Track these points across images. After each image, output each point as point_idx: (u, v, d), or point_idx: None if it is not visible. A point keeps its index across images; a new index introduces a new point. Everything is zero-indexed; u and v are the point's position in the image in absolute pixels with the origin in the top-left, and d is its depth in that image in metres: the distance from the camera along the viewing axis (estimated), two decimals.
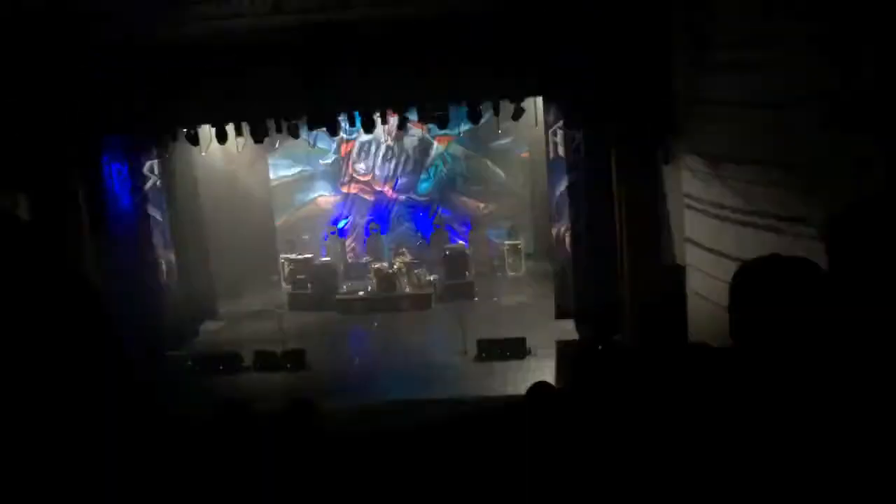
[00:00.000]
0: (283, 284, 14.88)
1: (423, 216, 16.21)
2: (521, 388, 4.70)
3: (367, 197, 16.33)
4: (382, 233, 15.86)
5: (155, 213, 12.41)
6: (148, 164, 12.33)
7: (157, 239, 12.38)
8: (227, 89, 10.40)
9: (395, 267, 14.46)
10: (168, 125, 11.61)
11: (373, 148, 16.14)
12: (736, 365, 1.84)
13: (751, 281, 1.90)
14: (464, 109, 12.08)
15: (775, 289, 1.79)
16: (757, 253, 1.94)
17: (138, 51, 9.71)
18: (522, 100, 11.91)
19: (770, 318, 1.75)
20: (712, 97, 8.33)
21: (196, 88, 10.34)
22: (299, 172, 16.27)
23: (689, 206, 9.14)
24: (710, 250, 8.58)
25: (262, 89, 10.47)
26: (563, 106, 11.67)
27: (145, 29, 9.23)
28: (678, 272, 9.57)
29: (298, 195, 16.36)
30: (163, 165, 12.55)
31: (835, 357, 1.67)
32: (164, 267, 12.45)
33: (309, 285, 14.34)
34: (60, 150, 9.81)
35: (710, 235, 8.59)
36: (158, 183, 12.46)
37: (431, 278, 14.50)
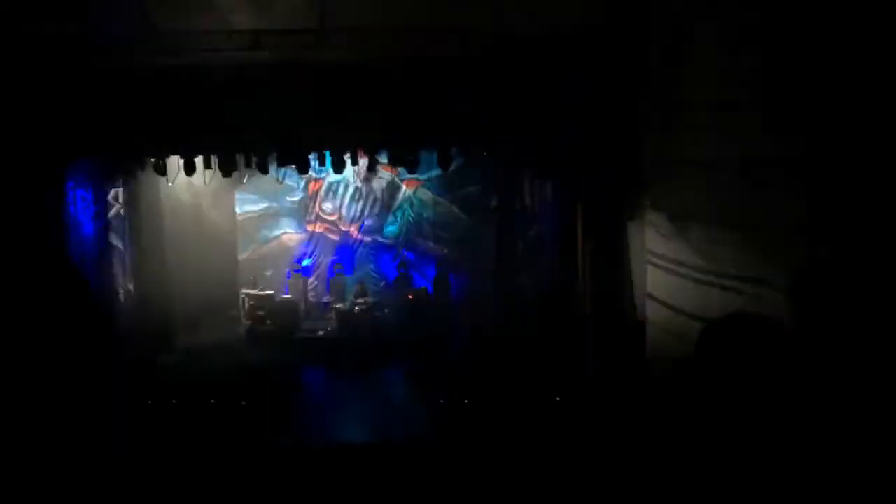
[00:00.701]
0: (243, 320, 14.73)
1: (387, 259, 16.20)
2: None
3: (332, 237, 16.30)
4: (346, 273, 15.80)
5: (116, 241, 12.28)
6: (113, 191, 12.23)
7: (118, 268, 12.23)
8: (198, 121, 10.37)
9: (356, 309, 14.40)
10: (136, 153, 11.53)
11: (341, 188, 16.16)
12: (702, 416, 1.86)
13: (717, 338, 1.92)
14: (434, 155, 12.16)
15: (741, 346, 1.82)
16: (718, 312, 1.97)
17: (111, 76, 9.67)
18: (493, 150, 12.03)
19: (736, 375, 1.78)
20: (679, 156, 8.49)
21: (167, 118, 10.29)
22: (266, 208, 16.20)
23: (651, 263, 9.25)
24: (671, 307, 8.66)
25: (233, 123, 10.46)
26: (532, 157, 11.80)
27: (120, 55, 9.21)
28: (639, 328, 9.65)
29: (264, 231, 16.27)
30: (128, 194, 12.45)
31: (800, 414, 1.69)
32: (122, 297, 12.29)
33: (268, 322, 14.22)
34: (26, 171, 9.68)
35: (671, 293, 8.68)
36: (122, 211, 12.35)
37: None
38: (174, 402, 10.89)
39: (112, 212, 12.13)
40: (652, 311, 9.32)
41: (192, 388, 11.15)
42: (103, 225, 11.92)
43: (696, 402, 1.94)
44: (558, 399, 10.59)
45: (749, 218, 7.07)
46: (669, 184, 8.77)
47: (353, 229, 16.26)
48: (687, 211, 8.30)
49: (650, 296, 9.33)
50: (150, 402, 10.90)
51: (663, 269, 8.92)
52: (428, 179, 15.79)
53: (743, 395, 1.81)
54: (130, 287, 12.42)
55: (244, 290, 15.03)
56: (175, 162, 12.00)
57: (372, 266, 16.27)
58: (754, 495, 1.70)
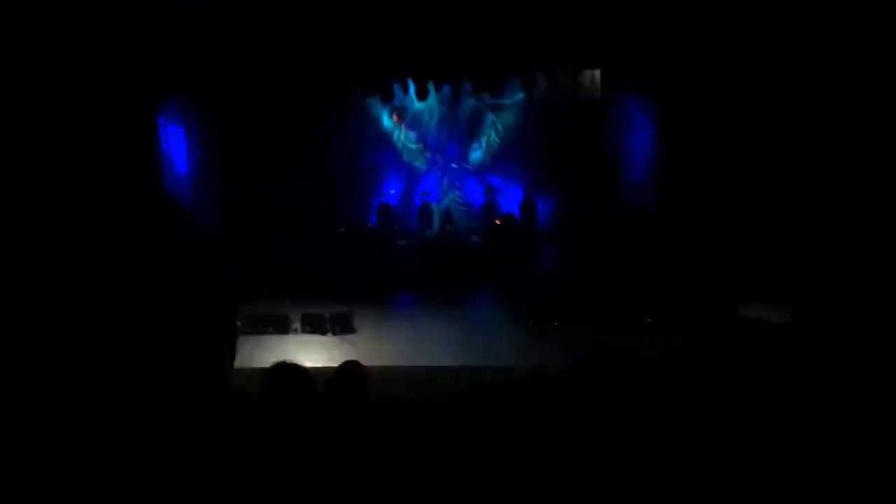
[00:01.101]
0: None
1: (473, 185, 16.18)
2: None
3: (417, 165, 16.34)
4: (433, 201, 15.87)
5: (214, 175, 12.60)
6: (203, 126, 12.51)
7: (210, 205, 12.59)
8: (281, 59, 10.46)
9: (444, 235, 14.51)
10: (226, 90, 11.74)
11: (426, 116, 16.12)
12: None
13: None
14: (518, 79, 12.03)
15: None
16: None
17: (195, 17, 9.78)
18: (581, 69, 11.79)
19: None
20: None
21: (249, 56, 10.42)
22: (351, 138, 16.27)
23: None
24: None
25: (317, 57, 10.51)
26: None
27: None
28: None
29: (351, 161, 16.35)
30: (219, 131, 12.72)
31: None
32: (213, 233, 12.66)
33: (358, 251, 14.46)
34: (119, 107, 9.94)
35: None
36: (215, 146, 12.65)
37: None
38: (270, 328, 11.23)
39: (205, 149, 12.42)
40: None
41: (282, 316, 11.46)
42: (198, 159, 12.23)
43: None
44: (649, 321, 10.56)
45: None
46: None
47: (438, 156, 16.25)
48: None
49: None
50: (247, 329, 11.29)
51: None
52: (512, 104, 15.61)
53: None
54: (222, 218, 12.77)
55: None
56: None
57: (458, 193, 16.28)
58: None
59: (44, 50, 8.77)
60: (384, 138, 16.23)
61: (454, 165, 16.24)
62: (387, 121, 16.14)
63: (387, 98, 12.57)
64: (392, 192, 16.16)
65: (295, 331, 11.30)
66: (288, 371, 4.50)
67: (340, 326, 11.15)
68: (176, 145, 11.61)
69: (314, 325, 11.22)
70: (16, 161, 8.44)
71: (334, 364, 4.74)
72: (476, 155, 16.17)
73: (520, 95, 14.94)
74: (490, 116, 15.92)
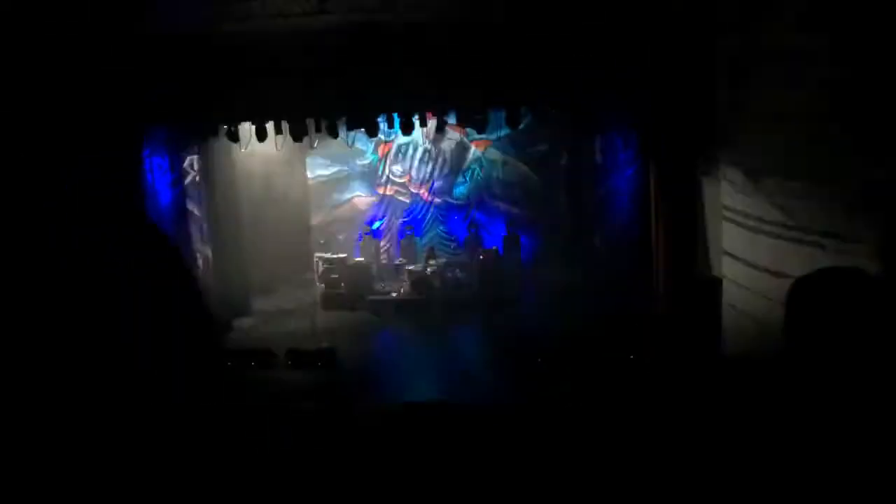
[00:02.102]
0: (317, 283, 14.95)
1: (457, 220, 16.23)
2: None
3: (402, 199, 16.38)
4: (416, 235, 15.88)
5: (193, 207, 12.55)
6: (188, 159, 12.48)
7: (195, 234, 12.53)
8: (268, 88, 10.47)
9: (428, 270, 14.49)
10: (209, 121, 11.72)
11: (410, 150, 16.19)
12: (790, 374, 1.82)
13: (810, 292, 1.88)
14: (503, 114, 12.08)
15: (833, 300, 1.77)
16: (799, 268, 1.93)
17: (182, 44, 9.78)
18: (564, 107, 11.86)
19: (828, 327, 1.73)
20: (755, 109, 8.28)
21: (238, 86, 10.41)
22: (336, 172, 16.35)
23: (727, 219, 9.09)
24: (749, 264, 8.52)
25: (302, 89, 10.52)
26: (602, 114, 11.64)
27: (189, 23, 9.29)
28: (714, 285, 9.52)
29: (335, 195, 16.43)
30: (202, 161, 12.68)
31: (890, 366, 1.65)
32: (200, 262, 12.59)
33: (342, 285, 14.40)
34: (103, 138, 9.89)
35: (748, 249, 8.52)
36: (197, 178, 12.60)
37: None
38: (252, 363, 11.14)
39: (188, 179, 12.38)
40: (727, 268, 9.19)
41: (266, 350, 11.39)
42: (180, 192, 12.19)
43: (787, 362, 1.90)
44: (632, 358, 10.52)
45: (828, 172, 6.89)
46: (745, 138, 8.59)
47: (423, 191, 16.31)
48: (763, 166, 8.12)
49: (726, 252, 9.18)
50: (229, 363, 11.17)
51: (739, 224, 8.77)
52: (497, 139, 15.72)
53: (842, 354, 1.76)
54: (208, 252, 12.70)
55: (317, 254, 15.21)
56: (247, 129, 12.14)
57: (442, 227, 16.33)
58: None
59: (30, 83, 8.74)
60: (369, 172, 16.30)
61: (438, 199, 16.29)
62: (371, 154, 16.19)
63: (372, 132, 12.60)
64: (376, 225, 16.18)
65: (278, 365, 11.20)
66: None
67: (324, 362, 11.06)
68: (160, 177, 11.58)
69: (299, 361, 11.12)
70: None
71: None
72: (460, 189, 16.23)
73: (505, 131, 15.04)
74: (475, 151, 16.01)
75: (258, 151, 13.91)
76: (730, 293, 9.13)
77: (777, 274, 7.61)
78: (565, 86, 10.32)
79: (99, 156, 9.66)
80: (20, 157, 8.34)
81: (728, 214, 9.03)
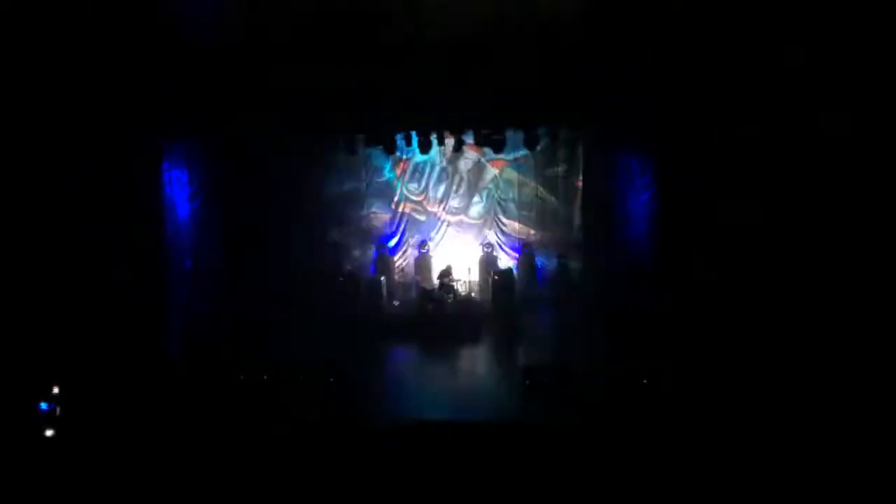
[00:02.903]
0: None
1: (473, 239, 16.23)
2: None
3: (418, 217, 16.40)
4: (431, 253, 15.90)
5: (210, 220, 12.62)
6: (203, 173, 12.56)
7: (211, 247, 12.60)
8: (288, 104, 10.54)
9: (441, 288, 14.48)
10: (229, 134, 11.81)
11: (427, 168, 16.23)
12: None
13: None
14: (520, 134, 12.12)
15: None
16: None
17: (202, 58, 9.83)
18: (581, 127, 11.90)
19: None
20: None
21: (257, 101, 10.49)
22: (353, 188, 16.34)
23: None
24: None
25: (321, 106, 10.58)
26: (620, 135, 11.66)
27: (216, 35, 9.32)
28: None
29: (351, 211, 16.41)
30: (220, 175, 12.76)
31: None
32: (211, 274, 12.65)
33: (356, 301, 14.43)
34: (121, 151, 9.97)
35: None
36: (214, 192, 12.67)
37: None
38: (265, 377, 11.16)
39: (205, 193, 12.44)
40: None
41: (276, 366, 11.41)
42: (199, 204, 12.26)
43: None
44: (645, 382, 10.45)
45: None
46: None
47: (438, 209, 16.33)
48: None
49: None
50: (241, 377, 11.20)
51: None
52: (514, 160, 15.74)
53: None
54: (220, 265, 12.78)
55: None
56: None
57: (457, 246, 16.33)
58: None
59: (53, 96, 8.85)
60: (386, 189, 16.33)
61: (454, 218, 16.31)
62: (389, 172, 16.24)
63: (390, 150, 12.67)
64: (391, 243, 16.20)
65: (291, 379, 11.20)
66: None
67: (338, 378, 11.05)
68: (178, 190, 11.64)
69: (312, 376, 11.11)
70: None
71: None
72: (476, 209, 16.24)
73: (522, 151, 15.08)
74: (492, 171, 16.04)
75: (271, 166, 13.98)
76: None
77: None
78: (582, 109, 10.36)
79: (116, 167, 9.79)
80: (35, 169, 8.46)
81: None
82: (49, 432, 7.73)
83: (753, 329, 8.94)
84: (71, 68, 8.85)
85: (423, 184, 16.32)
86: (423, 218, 16.40)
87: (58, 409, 8.16)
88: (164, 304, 10.91)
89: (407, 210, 16.40)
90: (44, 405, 8.10)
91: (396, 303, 14.89)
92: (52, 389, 8.31)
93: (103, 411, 8.44)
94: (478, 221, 16.26)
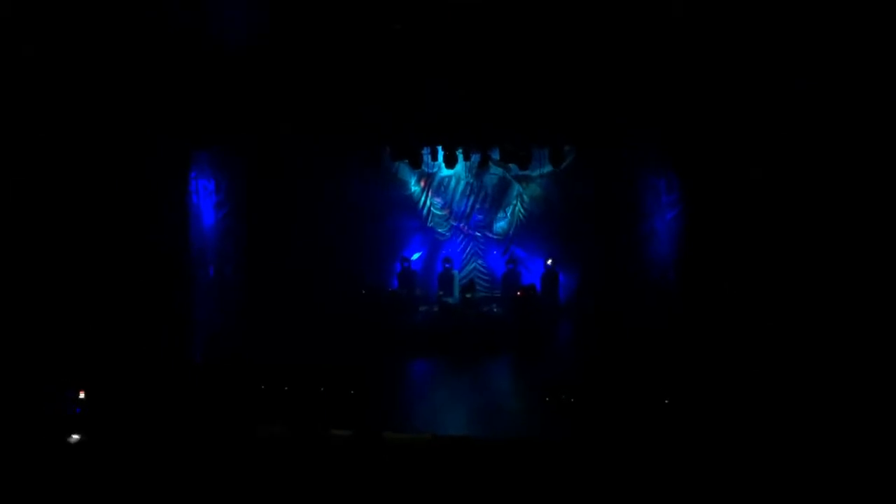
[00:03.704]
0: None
1: (496, 255, 16.23)
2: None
3: (442, 231, 16.41)
4: (455, 268, 15.90)
5: (238, 229, 12.72)
6: (230, 181, 12.67)
7: (233, 255, 12.69)
8: (313, 120, 10.60)
9: (464, 303, 14.48)
10: (255, 143, 11.91)
11: (452, 183, 16.25)
12: None
13: None
14: (546, 152, 12.14)
15: None
16: None
17: (229, 64, 9.90)
18: (606, 146, 11.88)
19: None
20: None
21: (284, 111, 10.56)
22: (378, 201, 16.36)
23: None
24: None
25: (348, 120, 10.64)
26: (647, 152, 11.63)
27: (236, 41, 9.38)
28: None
29: (375, 224, 16.41)
30: (244, 183, 12.88)
31: None
32: (234, 282, 12.75)
33: (378, 314, 14.46)
34: (149, 159, 10.06)
35: None
36: (240, 201, 12.78)
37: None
38: (285, 387, 11.19)
39: (233, 202, 12.55)
40: None
41: (299, 373, 11.45)
42: (225, 213, 12.36)
43: None
44: (666, 402, 10.36)
45: None
46: None
47: (462, 224, 16.34)
48: None
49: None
50: (263, 386, 11.23)
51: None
52: (539, 177, 15.73)
53: None
54: (243, 274, 12.88)
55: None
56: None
57: (481, 261, 16.33)
58: None
59: (83, 102, 8.96)
60: (410, 203, 16.37)
61: (478, 234, 16.32)
62: (414, 186, 16.28)
63: (415, 164, 12.72)
64: (415, 257, 16.22)
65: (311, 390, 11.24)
66: None
67: (357, 390, 11.07)
68: (205, 198, 11.75)
69: (331, 388, 11.14)
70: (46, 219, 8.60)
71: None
72: (500, 225, 16.24)
73: (547, 168, 15.06)
74: (517, 187, 16.03)
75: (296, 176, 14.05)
76: None
77: None
78: (609, 127, 10.34)
79: (144, 174, 9.88)
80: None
81: None
82: (75, 437, 7.80)
83: (777, 344, 8.88)
84: (99, 76, 8.95)
85: (448, 198, 16.34)
86: (447, 232, 16.41)
87: (83, 413, 8.25)
88: (188, 311, 10.99)
89: (431, 224, 16.42)
90: (69, 409, 8.20)
91: (419, 316, 14.88)
92: (78, 394, 8.40)
93: (128, 417, 8.50)
94: (502, 237, 16.24)
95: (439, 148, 12.34)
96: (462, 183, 16.22)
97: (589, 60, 9.48)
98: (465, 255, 16.37)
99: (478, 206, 16.28)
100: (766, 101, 8.88)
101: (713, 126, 9.65)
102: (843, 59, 7.30)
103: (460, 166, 14.49)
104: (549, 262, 15.30)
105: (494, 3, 8.54)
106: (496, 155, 12.74)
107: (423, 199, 16.35)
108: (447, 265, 15.77)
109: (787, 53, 8.24)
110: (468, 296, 14.82)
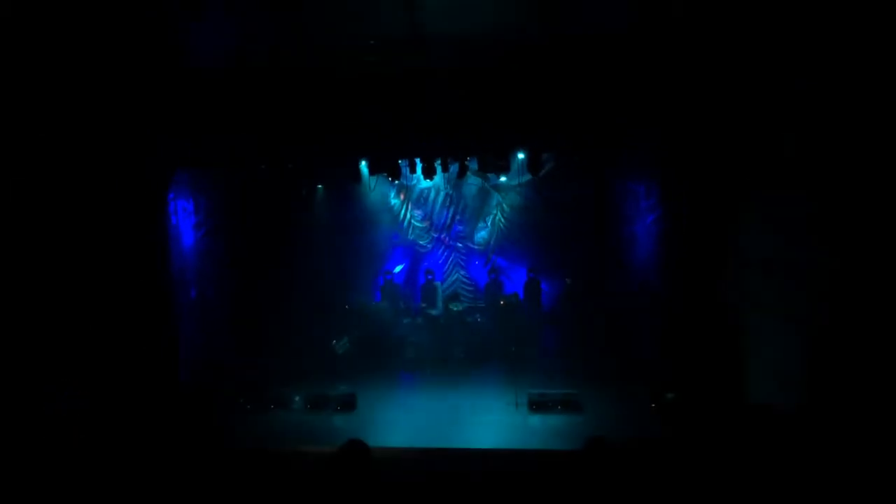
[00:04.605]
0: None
1: (478, 265, 16.23)
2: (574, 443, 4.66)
3: (423, 243, 16.40)
4: (437, 279, 15.88)
5: (214, 249, 12.66)
6: (208, 201, 12.61)
7: (214, 275, 12.62)
8: (292, 132, 10.56)
9: (447, 314, 14.46)
10: (232, 163, 11.87)
11: (432, 195, 16.26)
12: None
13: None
14: (524, 160, 12.13)
15: None
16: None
17: (206, 80, 9.84)
18: (586, 153, 11.91)
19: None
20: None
21: (262, 129, 10.52)
22: (357, 215, 16.33)
23: (748, 266, 9.05)
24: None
25: (324, 134, 10.61)
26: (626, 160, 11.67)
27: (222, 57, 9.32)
28: (737, 331, 9.46)
29: (355, 237, 16.38)
30: (224, 203, 12.83)
31: None
32: (214, 301, 12.67)
33: (361, 328, 14.42)
34: (128, 181, 9.98)
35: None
36: (219, 221, 12.73)
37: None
38: (271, 406, 11.13)
39: (212, 222, 12.50)
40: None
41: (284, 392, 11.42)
42: (204, 234, 12.30)
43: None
44: (653, 406, 10.39)
45: None
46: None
47: (443, 235, 16.34)
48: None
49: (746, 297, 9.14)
50: (248, 406, 11.18)
51: (760, 270, 8.73)
52: (518, 185, 15.74)
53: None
54: (225, 294, 12.81)
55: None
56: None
57: (463, 272, 16.33)
58: None
59: (61, 122, 8.88)
60: (390, 216, 16.36)
61: (459, 245, 16.32)
62: (393, 199, 16.27)
63: (394, 176, 12.70)
64: (397, 269, 16.20)
65: (297, 408, 11.21)
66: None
67: (343, 406, 11.04)
68: (184, 219, 11.69)
69: (317, 404, 11.11)
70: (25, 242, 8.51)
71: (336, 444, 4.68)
72: (481, 234, 16.24)
73: (526, 176, 15.06)
74: (496, 196, 16.05)
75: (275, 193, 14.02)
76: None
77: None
78: (587, 133, 10.36)
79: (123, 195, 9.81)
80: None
81: (749, 261, 8.99)
82: (63, 450, 7.82)
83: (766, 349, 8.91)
84: (76, 97, 8.88)
85: (428, 210, 16.35)
86: (428, 244, 16.40)
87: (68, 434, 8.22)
88: (170, 331, 10.90)
89: (412, 237, 16.42)
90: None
91: (403, 329, 14.84)
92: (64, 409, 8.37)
93: (111, 435, 8.46)
94: (483, 247, 16.25)
95: (417, 160, 12.33)
96: (441, 194, 16.23)
97: (569, 62, 9.49)
98: (447, 267, 16.37)
99: (458, 216, 16.29)
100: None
101: (701, 129, 9.65)
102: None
103: (439, 177, 14.49)
104: (531, 270, 15.29)
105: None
106: (474, 165, 12.74)
107: (402, 211, 16.35)
108: (429, 277, 15.75)
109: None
110: (451, 307, 14.81)
